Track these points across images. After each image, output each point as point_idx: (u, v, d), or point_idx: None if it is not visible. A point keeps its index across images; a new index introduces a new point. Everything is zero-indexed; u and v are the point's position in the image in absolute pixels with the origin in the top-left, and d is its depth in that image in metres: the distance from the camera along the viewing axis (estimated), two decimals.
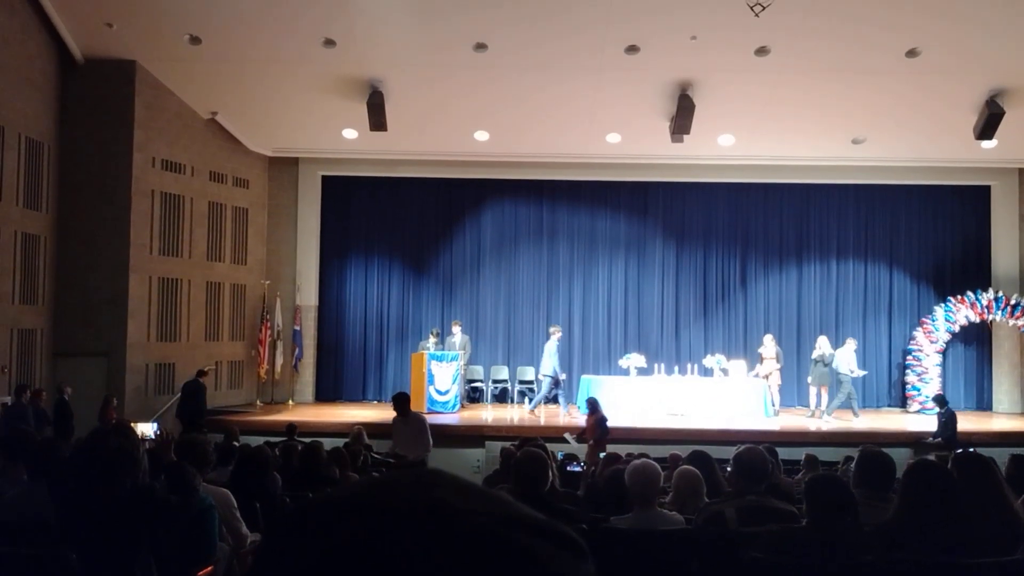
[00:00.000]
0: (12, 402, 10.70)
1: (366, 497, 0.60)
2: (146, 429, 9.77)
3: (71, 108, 12.77)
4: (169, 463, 4.43)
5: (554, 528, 0.61)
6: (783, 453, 8.71)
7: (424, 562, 0.55)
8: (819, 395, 13.74)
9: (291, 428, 9.66)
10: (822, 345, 13.75)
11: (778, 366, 13.99)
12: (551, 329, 14.14)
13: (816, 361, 13.68)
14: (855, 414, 13.24)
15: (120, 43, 12.37)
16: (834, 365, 13.45)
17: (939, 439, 10.31)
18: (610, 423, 10.23)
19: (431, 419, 12.58)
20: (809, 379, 13.96)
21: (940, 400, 11.55)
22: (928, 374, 14.75)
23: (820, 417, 13.33)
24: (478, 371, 15.54)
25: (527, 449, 4.58)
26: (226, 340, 14.71)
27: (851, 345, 13.65)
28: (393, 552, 0.55)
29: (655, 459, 4.68)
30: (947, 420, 10.83)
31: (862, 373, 13.83)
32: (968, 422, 13.16)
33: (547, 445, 6.39)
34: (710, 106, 12.92)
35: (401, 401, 9.36)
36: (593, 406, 10.36)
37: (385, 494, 0.60)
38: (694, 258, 16.02)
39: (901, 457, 4.82)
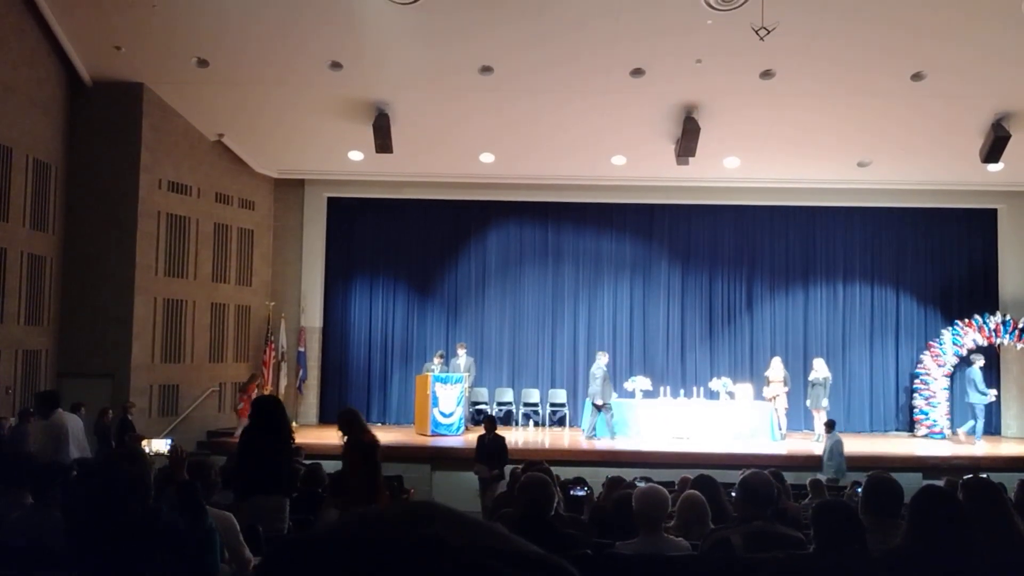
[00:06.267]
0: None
1: (361, 532, 0.59)
2: (159, 446, 9.73)
3: (79, 130, 12.84)
4: (181, 482, 4.40)
5: (550, 562, 0.60)
6: (790, 478, 8.67)
7: None
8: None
9: (296, 450, 9.60)
10: (819, 367, 13.74)
11: (785, 389, 13.93)
12: None
13: (814, 384, 13.64)
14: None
15: (128, 66, 12.47)
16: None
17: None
18: (617, 446, 10.12)
19: (436, 442, 12.60)
20: (808, 402, 13.90)
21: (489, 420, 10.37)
22: (936, 398, 14.64)
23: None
24: (483, 393, 15.48)
25: (531, 473, 4.55)
26: (230, 361, 14.69)
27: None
28: None
29: (660, 483, 4.65)
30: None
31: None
32: (976, 447, 13.09)
33: (552, 468, 6.36)
34: (715, 129, 12.95)
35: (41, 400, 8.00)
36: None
37: (380, 529, 0.59)
38: (700, 280, 15.98)
39: (909, 483, 4.77)
